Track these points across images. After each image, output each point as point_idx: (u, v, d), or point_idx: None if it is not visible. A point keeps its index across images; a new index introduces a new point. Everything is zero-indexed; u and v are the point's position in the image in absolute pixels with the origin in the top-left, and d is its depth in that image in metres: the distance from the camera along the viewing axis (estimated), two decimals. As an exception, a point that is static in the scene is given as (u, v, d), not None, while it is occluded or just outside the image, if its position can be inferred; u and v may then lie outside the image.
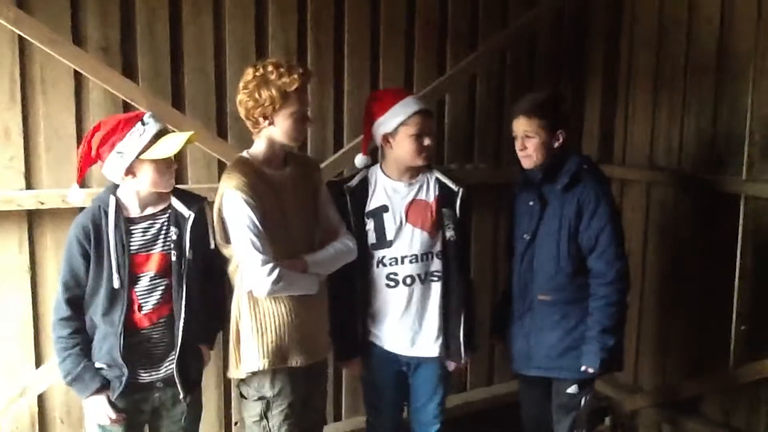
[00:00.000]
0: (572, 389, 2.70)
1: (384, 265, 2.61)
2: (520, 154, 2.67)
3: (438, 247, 2.62)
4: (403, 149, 2.58)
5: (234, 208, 2.26)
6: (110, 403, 2.27)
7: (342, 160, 3.13)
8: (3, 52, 2.52)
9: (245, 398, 2.44)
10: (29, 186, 2.62)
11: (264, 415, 2.39)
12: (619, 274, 2.59)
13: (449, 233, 2.61)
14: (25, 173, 2.60)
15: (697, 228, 3.46)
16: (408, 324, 2.63)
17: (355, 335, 2.66)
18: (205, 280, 2.40)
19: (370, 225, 2.62)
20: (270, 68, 2.26)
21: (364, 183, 2.67)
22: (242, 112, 2.33)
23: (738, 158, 3.27)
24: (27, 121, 2.60)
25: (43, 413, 2.76)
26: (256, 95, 2.26)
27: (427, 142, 2.57)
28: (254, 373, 2.37)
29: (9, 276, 2.63)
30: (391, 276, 2.61)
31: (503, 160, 3.63)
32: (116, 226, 2.23)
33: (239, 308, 2.36)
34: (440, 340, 2.66)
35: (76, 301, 2.26)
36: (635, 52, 3.74)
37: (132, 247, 2.25)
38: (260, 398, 2.39)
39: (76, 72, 2.62)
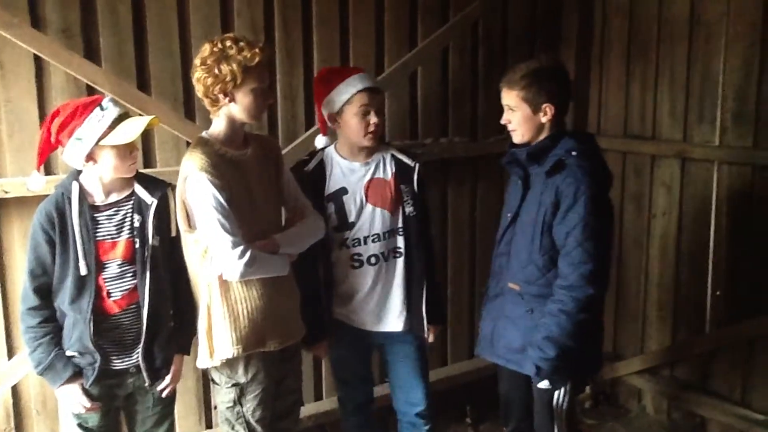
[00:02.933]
0: (543, 384, 2.45)
1: (347, 246, 2.60)
2: (508, 128, 2.50)
3: (399, 224, 2.63)
4: (349, 129, 2.55)
5: (200, 190, 2.21)
6: (84, 391, 2.25)
7: (314, 138, 3.06)
8: (-42, 37, 2.45)
9: (217, 384, 2.41)
10: (-8, 175, 2.56)
11: (237, 401, 2.37)
12: (581, 278, 2.29)
13: (408, 209, 2.62)
14: (-12, 162, 2.55)
15: (674, 195, 3.47)
16: (374, 301, 2.64)
17: (320, 320, 2.64)
18: (176, 277, 2.36)
19: (330, 209, 2.59)
20: (228, 43, 2.20)
21: (321, 166, 2.63)
22: (200, 90, 2.27)
23: (711, 124, 3.27)
24: (-13, 108, 2.53)
25: (18, 405, 2.73)
26: (216, 71, 2.20)
27: (373, 120, 2.51)
28: (227, 360, 2.33)
29: (-24, 267, 2.59)
30: (356, 257, 2.60)
31: (479, 133, 3.60)
32: (80, 212, 2.19)
33: (210, 295, 2.30)
34: (404, 314, 2.67)
35: (44, 290, 2.24)
36: (609, 19, 3.70)
37: (98, 235, 2.22)
38: (234, 384, 2.36)
39: (36, 56, 2.55)
